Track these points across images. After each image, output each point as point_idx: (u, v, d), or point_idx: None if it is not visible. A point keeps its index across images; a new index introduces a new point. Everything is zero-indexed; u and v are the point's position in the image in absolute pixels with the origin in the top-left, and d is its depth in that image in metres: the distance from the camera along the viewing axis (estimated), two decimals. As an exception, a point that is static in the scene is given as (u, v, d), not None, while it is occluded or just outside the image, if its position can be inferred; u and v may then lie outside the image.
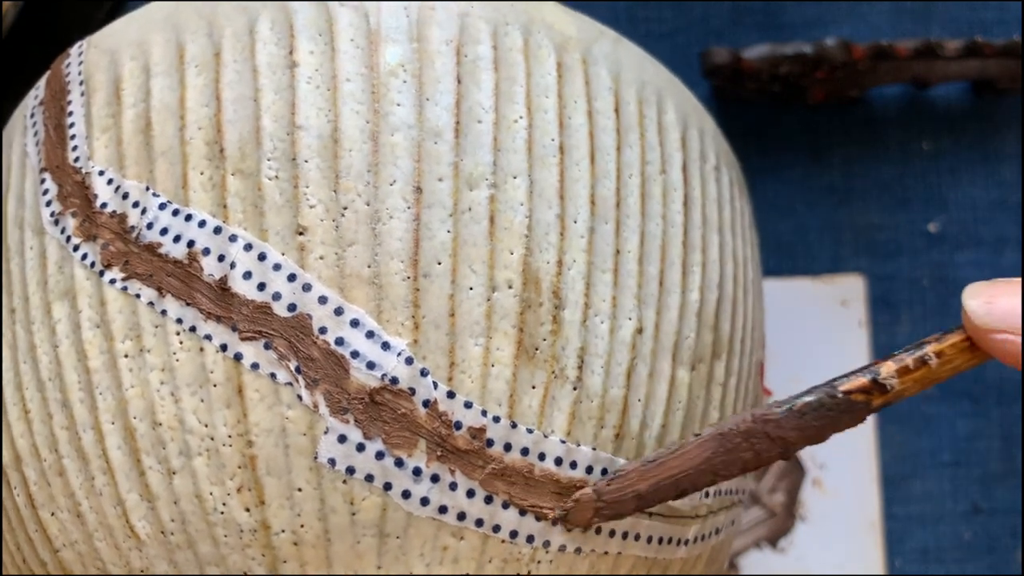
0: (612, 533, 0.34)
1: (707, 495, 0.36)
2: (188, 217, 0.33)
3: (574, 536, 0.33)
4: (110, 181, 0.33)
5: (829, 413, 0.31)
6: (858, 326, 0.54)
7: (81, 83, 0.35)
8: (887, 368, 0.31)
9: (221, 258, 0.32)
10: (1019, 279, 0.31)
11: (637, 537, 0.34)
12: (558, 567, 0.33)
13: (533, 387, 0.32)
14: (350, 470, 0.31)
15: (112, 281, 0.33)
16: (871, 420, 0.54)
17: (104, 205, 0.33)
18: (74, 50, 0.37)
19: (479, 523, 0.32)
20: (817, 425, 0.31)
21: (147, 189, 0.33)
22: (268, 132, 0.33)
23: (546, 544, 0.33)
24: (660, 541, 0.35)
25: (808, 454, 0.54)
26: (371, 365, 0.31)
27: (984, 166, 0.57)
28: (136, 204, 0.33)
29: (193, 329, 0.32)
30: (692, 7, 0.57)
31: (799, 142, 0.57)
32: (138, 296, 0.32)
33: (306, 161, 0.32)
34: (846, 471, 0.54)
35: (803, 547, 0.53)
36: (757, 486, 0.55)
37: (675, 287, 0.35)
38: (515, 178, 0.33)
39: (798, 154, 0.57)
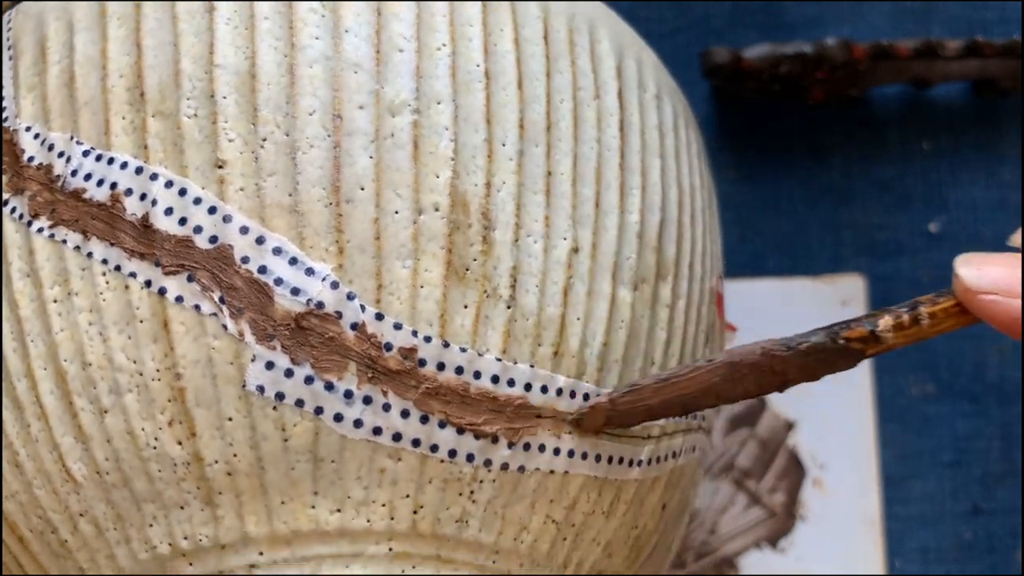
0: (557, 451, 0.33)
1: None
2: (110, 161, 0.33)
3: (516, 454, 0.33)
4: (36, 135, 0.34)
5: (828, 355, 0.32)
6: (858, 326, 0.55)
7: (9, 48, 0.36)
8: (884, 322, 0.32)
9: (143, 197, 0.32)
10: (1010, 254, 0.31)
11: (585, 456, 0.34)
12: (502, 486, 0.33)
13: (465, 306, 0.32)
14: (279, 396, 0.31)
15: (40, 230, 0.33)
16: (871, 420, 0.54)
17: (31, 159, 0.34)
18: (4, 18, 0.38)
19: (416, 443, 0.32)
20: (815, 365, 0.32)
21: (71, 139, 0.33)
22: (187, 73, 0.33)
23: (487, 463, 0.32)
24: (611, 460, 0.34)
25: (808, 454, 0.53)
26: (295, 291, 0.31)
27: (985, 166, 0.56)
28: (61, 154, 0.33)
29: (118, 268, 0.32)
30: (692, 7, 0.56)
31: (799, 142, 0.56)
32: (64, 242, 0.33)
33: (224, 97, 0.32)
34: (846, 471, 0.54)
35: (803, 547, 0.52)
36: (757, 486, 0.55)
37: (613, 208, 0.35)
38: (439, 103, 0.33)
39: (798, 154, 0.56)
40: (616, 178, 0.35)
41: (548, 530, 0.34)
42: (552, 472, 0.33)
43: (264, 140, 0.32)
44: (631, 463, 0.35)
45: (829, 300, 0.54)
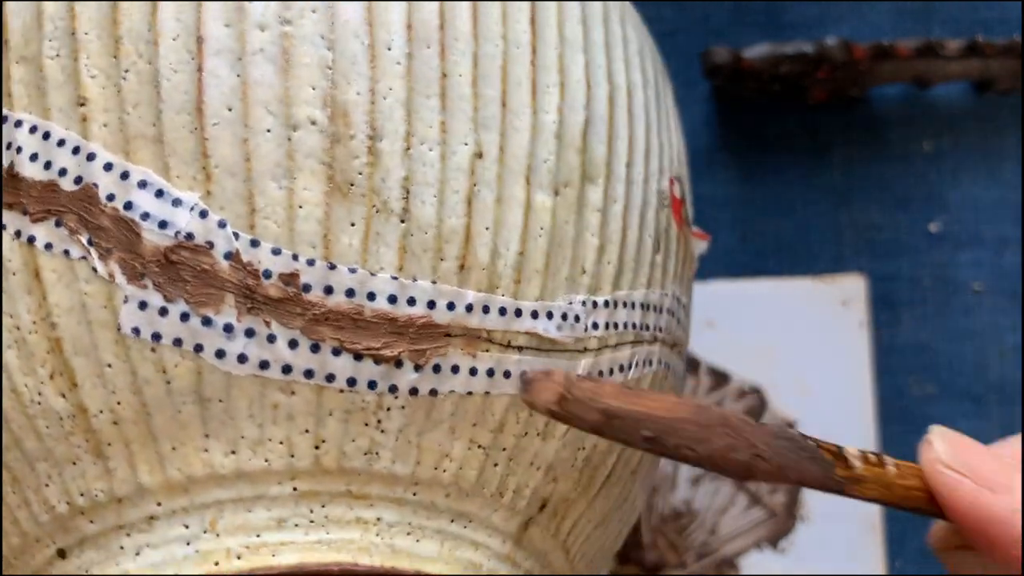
0: (474, 371, 0.30)
1: (595, 326, 0.32)
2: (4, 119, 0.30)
3: (425, 377, 0.30)
4: None
5: (799, 451, 0.28)
6: (859, 326, 0.51)
7: None
8: (849, 448, 0.29)
9: (8, 146, 0.30)
10: (985, 448, 0.28)
11: (508, 374, 0.30)
12: (414, 413, 0.30)
13: (352, 224, 0.29)
14: (156, 336, 0.29)
15: None
16: (872, 420, 0.53)
17: None
18: None
19: (308, 374, 0.29)
20: (787, 455, 0.28)
21: None
22: (49, 14, 0.30)
23: (392, 389, 0.29)
24: None
25: None
26: (163, 224, 0.29)
27: (985, 166, 0.53)
28: None
29: None
30: (693, 7, 0.54)
31: (800, 142, 0.53)
32: None
33: (86, 34, 0.30)
34: None
35: (804, 548, 0.50)
36: (758, 487, 0.55)
37: (524, 108, 0.31)
38: (313, 12, 0.30)
39: (799, 154, 0.54)
40: (527, 76, 0.32)
41: (474, 456, 0.31)
42: (470, 393, 0.30)
43: (126, 71, 0.30)
44: None
45: (830, 300, 0.52)
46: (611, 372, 0.33)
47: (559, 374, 0.27)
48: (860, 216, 0.54)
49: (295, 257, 0.29)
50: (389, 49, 0.30)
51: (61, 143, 0.30)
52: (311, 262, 0.29)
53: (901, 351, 0.53)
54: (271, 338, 0.29)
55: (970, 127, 0.54)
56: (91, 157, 0.29)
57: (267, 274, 0.29)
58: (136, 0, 0.30)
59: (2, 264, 0.30)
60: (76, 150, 0.30)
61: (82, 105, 0.30)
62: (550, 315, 0.31)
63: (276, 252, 0.29)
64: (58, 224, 0.29)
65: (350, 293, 0.29)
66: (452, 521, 0.31)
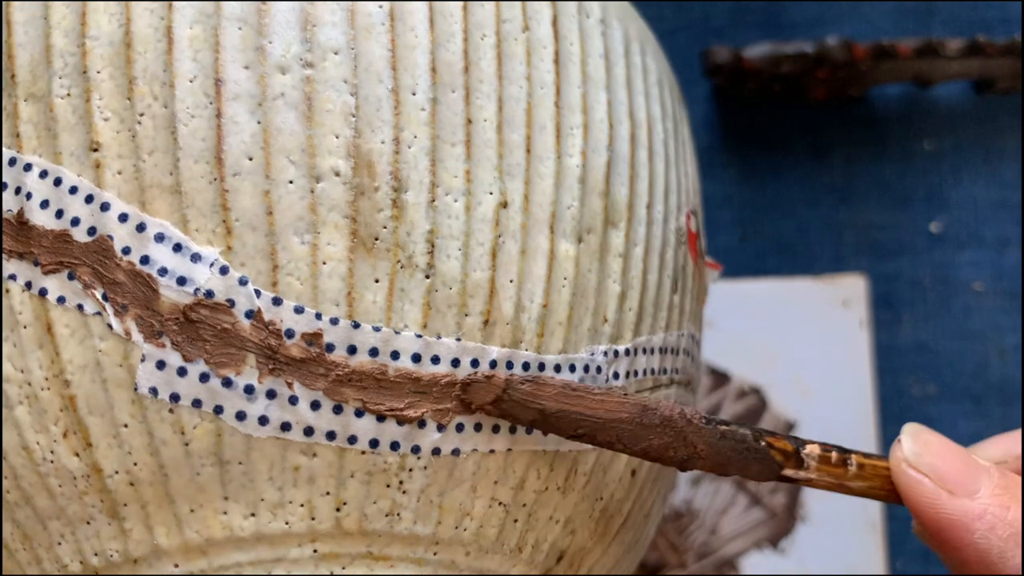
0: (496, 428, 0.29)
1: (616, 375, 0.31)
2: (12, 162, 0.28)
3: (448, 437, 0.29)
4: None
5: (744, 451, 0.28)
6: (859, 326, 0.51)
7: None
8: (812, 448, 0.29)
9: (18, 191, 0.28)
10: (959, 448, 0.28)
11: (529, 430, 0.30)
12: (436, 473, 0.29)
13: (376, 280, 0.28)
14: (174, 397, 0.28)
15: None
16: (872, 420, 0.53)
17: None
18: None
19: (330, 436, 0.28)
20: (728, 455, 0.28)
21: None
22: (59, 49, 0.29)
23: (415, 449, 0.28)
24: None
25: None
26: (182, 280, 0.28)
27: (985, 165, 0.53)
28: None
29: None
30: (693, 6, 0.54)
31: (800, 141, 0.54)
32: None
33: (98, 72, 0.28)
34: None
35: (804, 548, 0.50)
36: (758, 487, 0.55)
37: (548, 153, 0.30)
38: (335, 54, 0.29)
39: (799, 154, 0.54)
40: (552, 119, 0.30)
41: (495, 514, 0.30)
42: (492, 452, 0.29)
43: (141, 115, 0.28)
44: None
45: (830, 300, 0.52)
46: None
47: (499, 377, 0.29)
48: (860, 216, 0.53)
49: (318, 316, 0.28)
50: (414, 94, 0.29)
51: (73, 191, 0.28)
52: (335, 321, 0.28)
53: (901, 351, 0.53)
54: (293, 400, 0.28)
55: (970, 127, 0.54)
56: (105, 207, 0.28)
57: (290, 333, 0.28)
58: (150, 34, 0.28)
59: (0, 314, 0.28)
60: (89, 199, 0.28)
61: (95, 151, 0.28)
62: (572, 368, 0.30)
63: (299, 311, 0.28)
64: (71, 277, 0.28)
65: (374, 352, 0.28)
66: None
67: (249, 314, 0.28)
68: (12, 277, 0.28)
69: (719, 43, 0.53)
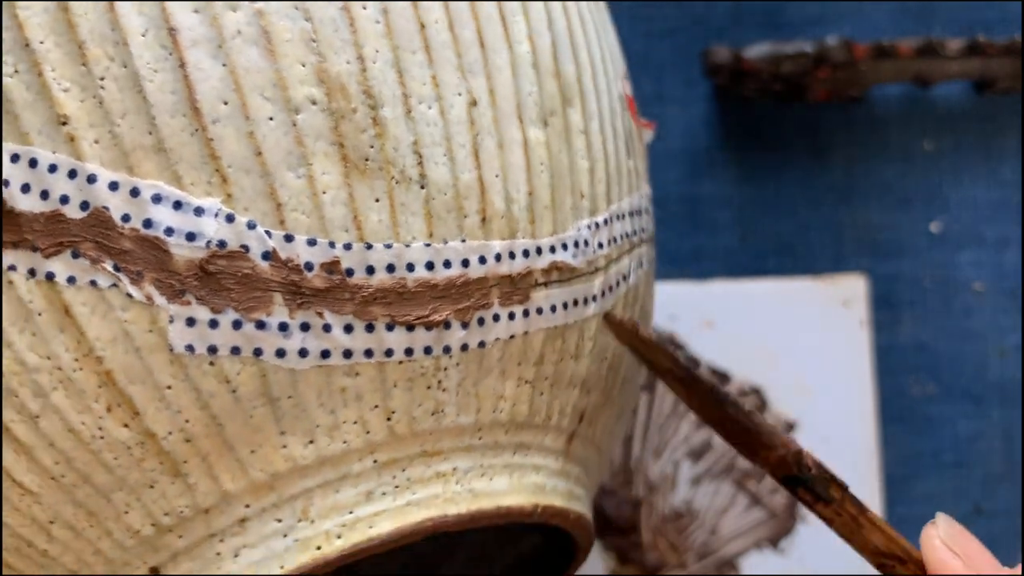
0: (512, 316, 0.31)
1: (600, 245, 0.33)
2: None
3: (473, 332, 0.30)
4: None
5: (744, 425, 0.30)
6: (859, 326, 0.51)
7: None
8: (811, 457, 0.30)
9: None
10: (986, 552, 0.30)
11: (540, 311, 0.31)
12: (467, 367, 0.31)
13: (376, 200, 0.29)
14: (212, 349, 0.28)
15: None
16: (873, 421, 0.52)
17: None
18: None
19: (368, 353, 0.29)
20: (738, 418, 0.30)
21: None
22: None
23: (446, 350, 0.30)
24: (565, 306, 0.32)
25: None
26: (191, 236, 0.28)
27: (986, 165, 0.53)
28: None
29: None
30: (693, 6, 0.54)
31: (800, 141, 0.53)
32: None
33: (41, 42, 0.27)
34: (848, 472, 0.53)
35: (804, 548, 0.50)
36: (758, 487, 0.55)
37: (499, 44, 0.31)
38: None
39: (799, 153, 0.54)
40: (494, 8, 0.31)
41: (523, 392, 0.32)
42: (512, 337, 0.31)
43: (102, 79, 0.28)
44: (587, 301, 0.33)
45: (830, 300, 0.52)
46: (618, 284, 0.34)
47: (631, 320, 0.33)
48: (860, 216, 0.53)
49: (332, 244, 0.29)
50: (364, 8, 0.29)
51: (53, 169, 0.28)
52: (348, 246, 0.29)
53: (901, 351, 0.53)
54: (327, 327, 0.29)
55: (971, 126, 0.54)
56: (92, 179, 0.27)
57: (309, 266, 0.28)
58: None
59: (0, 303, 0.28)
60: (73, 174, 0.27)
61: (64, 124, 0.27)
62: (565, 246, 0.32)
63: (312, 243, 0.28)
64: (75, 255, 0.28)
65: (391, 269, 0.29)
66: (514, 453, 0.32)
67: (265, 256, 0.28)
68: (12, 268, 0.28)
69: (719, 43, 0.53)
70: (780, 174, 0.54)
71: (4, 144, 0.27)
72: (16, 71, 0.28)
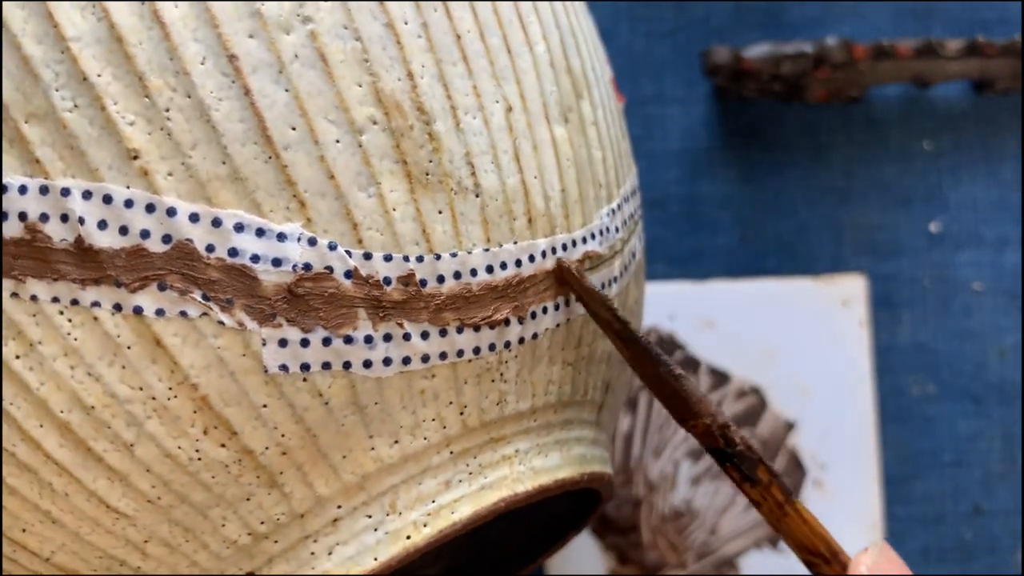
0: (557, 307, 0.33)
1: (617, 229, 0.35)
2: (4, 189, 0.28)
3: (527, 326, 0.33)
4: None
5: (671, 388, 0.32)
6: (859, 326, 0.52)
7: None
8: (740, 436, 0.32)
9: (65, 218, 0.28)
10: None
11: (577, 298, 0.34)
12: (524, 358, 0.33)
13: (440, 212, 0.31)
14: (305, 367, 0.30)
15: None
16: (872, 420, 0.52)
17: None
18: None
19: (443, 356, 0.31)
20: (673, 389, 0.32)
21: None
22: (38, 59, 0.28)
23: (507, 345, 0.32)
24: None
25: (809, 455, 0.51)
26: (276, 262, 0.29)
27: (985, 166, 0.54)
28: None
29: (75, 303, 0.28)
30: (693, 6, 0.55)
31: (800, 141, 0.54)
32: None
33: (99, 75, 0.28)
34: (847, 471, 0.52)
35: None
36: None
37: (521, 48, 0.33)
38: (325, 2, 0.29)
39: (799, 153, 0.55)
40: (514, 13, 0.33)
41: (567, 374, 0.35)
42: (558, 326, 0.33)
43: (167, 111, 0.28)
44: (610, 283, 0.35)
45: (830, 300, 0.52)
46: (630, 262, 0.37)
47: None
48: (860, 216, 0.54)
49: (406, 259, 0.30)
50: (406, 23, 0.30)
51: (129, 204, 0.28)
52: (420, 259, 0.30)
53: (901, 351, 0.53)
54: (407, 336, 0.31)
55: (970, 127, 0.54)
56: (172, 212, 0.28)
57: (387, 281, 0.30)
58: (137, 23, 0.28)
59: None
60: (151, 208, 0.28)
61: (135, 158, 0.28)
62: (593, 236, 0.34)
63: (388, 259, 0.30)
64: (162, 288, 0.28)
65: (457, 276, 0.31)
66: (562, 429, 0.35)
67: (348, 274, 0.30)
68: (96, 304, 0.28)
69: (719, 43, 0.53)
70: (780, 174, 0.54)
71: (73, 181, 0.28)
72: (76, 105, 0.28)
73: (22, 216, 0.28)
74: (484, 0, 0.32)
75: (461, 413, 0.32)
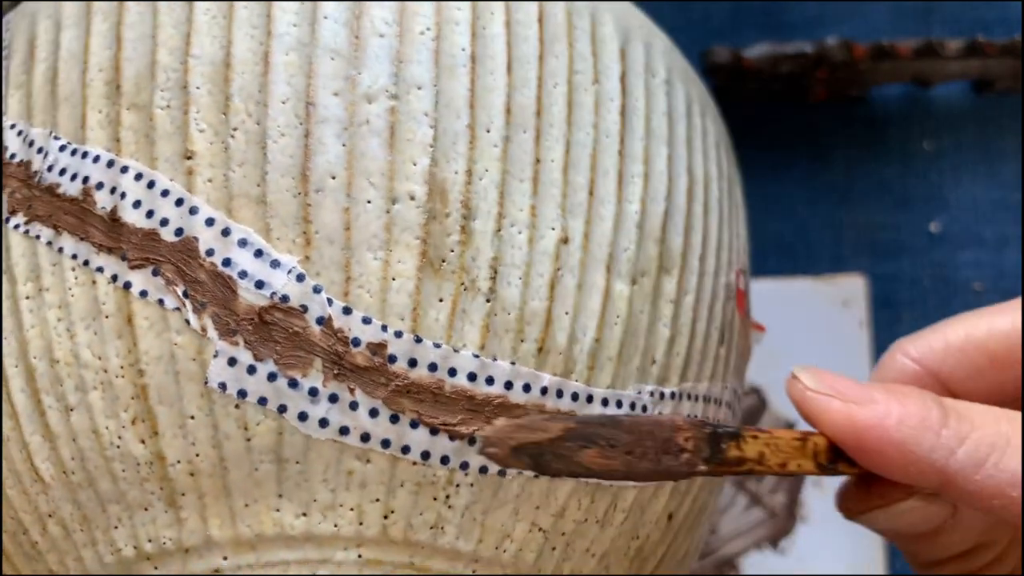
0: None
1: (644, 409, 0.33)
2: (84, 155, 0.31)
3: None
4: (20, 132, 0.33)
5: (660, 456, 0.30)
6: (859, 326, 0.52)
7: (6, 48, 0.35)
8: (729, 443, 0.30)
9: (113, 190, 0.31)
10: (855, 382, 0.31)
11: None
12: (481, 491, 0.30)
13: (440, 300, 0.30)
14: (241, 393, 0.29)
15: (16, 226, 0.32)
16: None
17: (13, 156, 0.33)
18: (4, 20, 0.36)
19: (385, 444, 0.29)
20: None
21: (50, 134, 0.32)
22: (163, 65, 0.31)
23: (464, 466, 0.30)
24: None
25: None
26: (260, 284, 0.29)
27: (985, 165, 0.54)
28: (40, 150, 0.32)
29: (87, 263, 0.30)
30: (693, 6, 0.55)
31: (800, 142, 0.54)
32: (38, 237, 0.31)
33: (197, 88, 0.31)
34: None
35: (804, 548, 0.50)
36: (758, 486, 0.55)
37: (610, 197, 0.32)
38: (419, 89, 0.31)
39: (799, 154, 0.55)
40: (615, 166, 0.33)
41: (534, 539, 0.31)
42: (537, 476, 0.31)
43: (235, 129, 0.30)
44: None
45: (830, 300, 0.52)
46: None
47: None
48: (860, 216, 0.54)
49: (384, 328, 0.30)
50: (488, 131, 0.31)
51: (165, 193, 0.30)
52: (399, 334, 0.30)
53: (901, 351, 0.53)
54: (354, 405, 0.30)
55: (970, 127, 0.54)
56: (194, 211, 0.30)
57: (356, 342, 0.30)
58: (248, 57, 0.31)
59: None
60: (180, 202, 0.30)
61: (189, 159, 0.31)
62: (619, 404, 0.32)
63: (367, 321, 0.30)
64: (155, 273, 0.30)
65: (433, 367, 0.30)
66: None
67: (320, 320, 0.30)
68: (100, 269, 0.30)
69: (719, 43, 0.53)
70: (780, 174, 0.54)
71: (133, 163, 0.31)
72: (168, 106, 0.31)
73: (85, 179, 0.31)
74: (586, 146, 0.32)
75: (385, 516, 0.30)
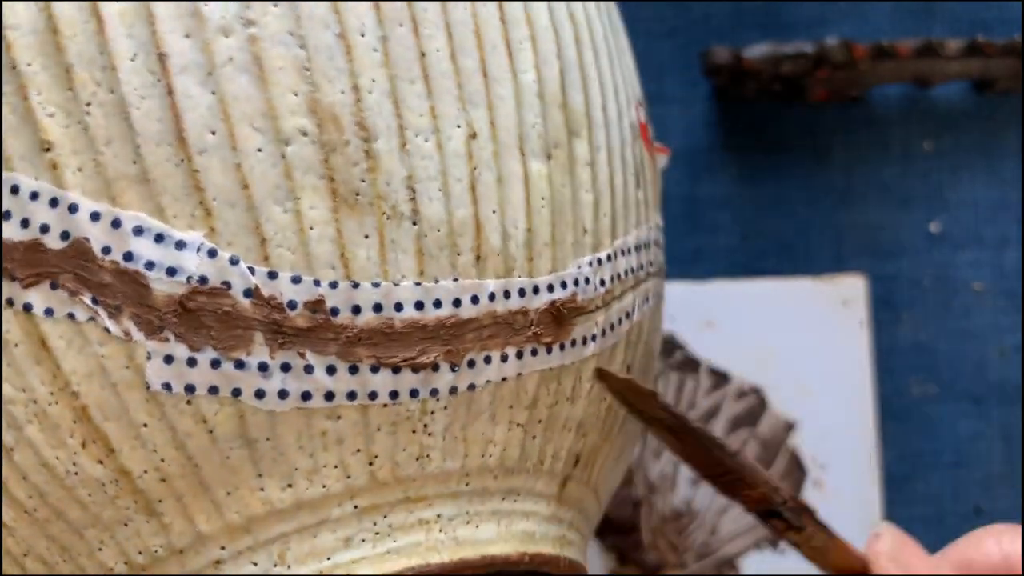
0: (505, 358, 0.30)
1: (603, 282, 0.32)
2: None
3: (463, 375, 0.29)
4: None
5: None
6: (859, 326, 0.51)
7: None
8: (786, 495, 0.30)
9: None
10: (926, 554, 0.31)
11: (535, 352, 0.30)
12: (456, 410, 0.29)
13: (366, 236, 0.28)
14: (189, 388, 0.27)
15: None
16: (872, 421, 0.51)
17: None
18: None
19: (351, 396, 0.28)
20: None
21: None
22: None
23: (433, 393, 0.29)
24: (563, 347, 0.31)
25: (809, 455, 0.51)
26: (171, 271, 0.27)
27: (985, 166, 0.53)
28: None
29: None
30: (693, 7, 0.53)
31: (800, 142, 0.53)
32: None
33: (29, 65, 0.26)
34: (847, 472, 0.51)
35: None
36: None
37: (503, 73, 0.30)
38: (276, 7, 0.27)
39: (799, 154, 0.53)
40: (500, 35, 0.30)
41: (515, 435, 0.31)
42: (504, 379, 0.30)
43: (88, 105, 0.27)
44: (586, 340, 0.31)
45: (830, 300, 0.51)
46: (620, 321, 0.33)
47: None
48: (860, 216, 0.54)
49: (316, 283, 0.28)
50: (362, 35, 0.28)
51: (34, 196, 0.27)
52: (334, 284, 0.28)
53: (901, 351, 0.53)
54: (308, 368, 0.28)
55: (970, 127, 0.54)
56: (74, 208, 0.27)
57: (292, 305, 0.27)
58: (75, 15, 0.27)
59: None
60: (54, 202, 0.27)
61: (47, 150, 0.27)
62: (564, 285, 0.31)
63: (296, 280, 0.27)
64: (54, 287, 0.27)
65: (377, 308, 0.28)
66: (503, 499, 0.31)
67: (247, 293, 0.27)
68: None
69: (719, 43, 0.53)
70: (780, 174, 0.54)
71: None
72: (2, 93, 0.27)
73: None
74: (466, 24, 0.29)
75: (370, 463, 0.29)
